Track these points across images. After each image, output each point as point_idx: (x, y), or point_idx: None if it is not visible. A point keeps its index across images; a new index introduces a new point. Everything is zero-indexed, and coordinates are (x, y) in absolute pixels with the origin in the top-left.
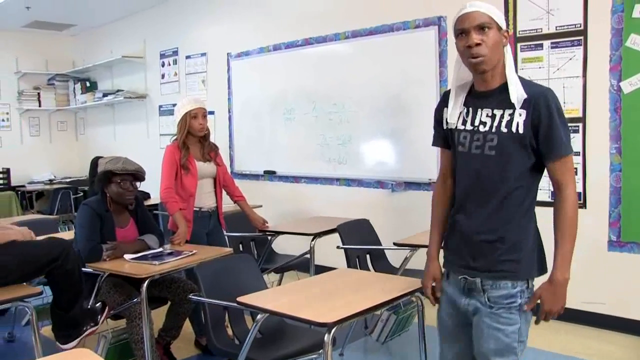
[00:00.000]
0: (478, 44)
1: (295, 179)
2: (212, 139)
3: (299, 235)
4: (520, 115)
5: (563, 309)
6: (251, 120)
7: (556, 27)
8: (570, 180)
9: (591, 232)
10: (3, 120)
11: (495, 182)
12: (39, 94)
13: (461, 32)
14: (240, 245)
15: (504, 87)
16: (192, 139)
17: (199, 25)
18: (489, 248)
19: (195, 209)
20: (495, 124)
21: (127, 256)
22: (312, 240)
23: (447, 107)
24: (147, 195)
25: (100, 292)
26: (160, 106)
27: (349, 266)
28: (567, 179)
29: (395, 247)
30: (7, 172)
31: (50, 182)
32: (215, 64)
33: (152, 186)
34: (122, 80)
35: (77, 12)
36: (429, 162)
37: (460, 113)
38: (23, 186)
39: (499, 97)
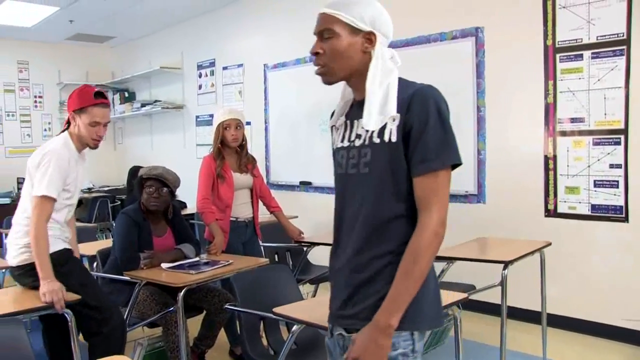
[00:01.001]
0: (317, 53)
1: (331, 190)
2: (248, 149)
3: None
4: (394, 120)
5: None
6: (287, 131)
7: (597, 37)
8: (434, 203)
9: (633, 246)
10: (45, 129)
11: (371, 207)
12: None
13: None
14: (276, 256)
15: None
16: (228, 150)
17: (236, 37)
18: (366, 290)
19: (231, 219)
20: (369, 135)
21: (164, 265)
22: None
23: (333, 124)
24: (183, 205)
25: (137, 301)
26: (197, 116)
27: None
28: (431, 200)
29: None
30: None
31: (89, 190)
32: (251, 75)
33: (189, 196)
34: (159, 90)
35: (117, 25)
36: (465, 174)
37: (339, 129)
38: None
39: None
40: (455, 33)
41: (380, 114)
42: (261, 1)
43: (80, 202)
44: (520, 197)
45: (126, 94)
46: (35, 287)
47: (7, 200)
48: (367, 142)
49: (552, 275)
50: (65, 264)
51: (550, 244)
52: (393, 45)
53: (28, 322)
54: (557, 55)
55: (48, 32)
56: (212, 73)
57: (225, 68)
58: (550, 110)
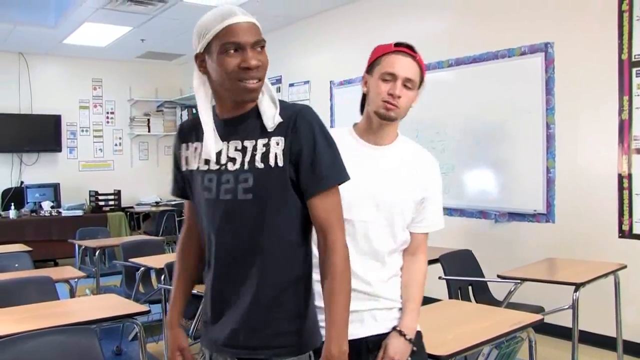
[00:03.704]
0: (257, 67)
1: None
2: None
3: None
4: (278, 144)
5: None
6: None
7: None
8: (337, 221)
9: None
10: (116, 144)
11: (257, 235)
12: (148, 120)
13: (236, 49)
14: None
15: (257, 112)
16: None
17: (303, 54)
18: (262, 318)
19: None
20: (247, 159)
21: None
22: None
23: (184, 143)
24: None
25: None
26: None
27: (450, 297)
28: (333, 219)
29: (500, 280)
30: (118, 193)
31: (157, 204)
32: (318, 92)
33: None
34: None
35: (186, 43)
36: (534, 193)
37: (197, 149)
38: (132, 207)
39: (252, 124)
40: (524, 49)
41: (275, 117)
42: (326, 18)
43: (148, 216)
44: (592, 217)
45: (194, 110)
46: None
47: (79, 212)
48: (246, 167)
49: (628, 300)
50: None
51: (625, 267)
52: (461, 62)
53: (98, 330)
54: (634, 70)
55: (121, 50)
56: (278, 90)
57: (291, 85)
58: (625, 127)
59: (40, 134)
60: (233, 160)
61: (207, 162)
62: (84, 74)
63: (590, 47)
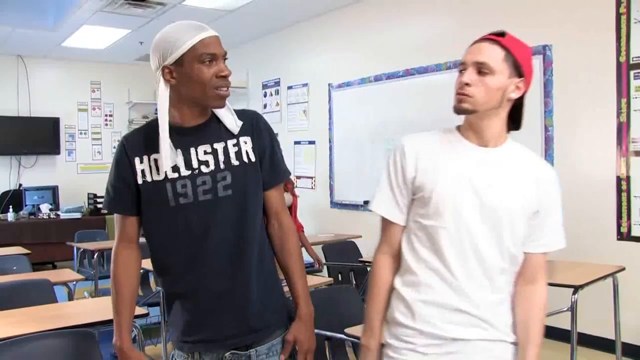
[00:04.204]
0: (230, 75)
1: None
2: (313, 168)
3: None
4: (246, 142)
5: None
6: (352, 151)
7: None
8: (285, 209)
9: None
10: (114, 147)
11: (243, 225)
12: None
13: (210, 60)
14: (340, 275)
15: (216, 118)
16: None
17: (301, 57)
18: (266, 303)
19: None
20: (222, 158)
21: None
22: None
23: (137, 157)
24: None
25: None
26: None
27: None
28: (284, 207)
29: None
30: None
31: None
32: (316, 95)
33: None
34: None
35: None
36: None
37: (157, 160)
38: None
39: (215, 128)
40: None
41: (236, 120)
42: (326, 21)
43: None
44: (590, 219)
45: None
46: None
47: (78, 215)
48: (222, 166)
49: (627, 302)
50: None
51: (624, 269)
52: (458, 65)
53: (96, 333)
54: (632, 72)
55: (119, 53)
56: (277, 92)
57: (290, 87)
58: (623, 129)
59: (38, 136)
60: (205, 162)
61: (175, 169)
62: (82, 76)
63: (589, 50)
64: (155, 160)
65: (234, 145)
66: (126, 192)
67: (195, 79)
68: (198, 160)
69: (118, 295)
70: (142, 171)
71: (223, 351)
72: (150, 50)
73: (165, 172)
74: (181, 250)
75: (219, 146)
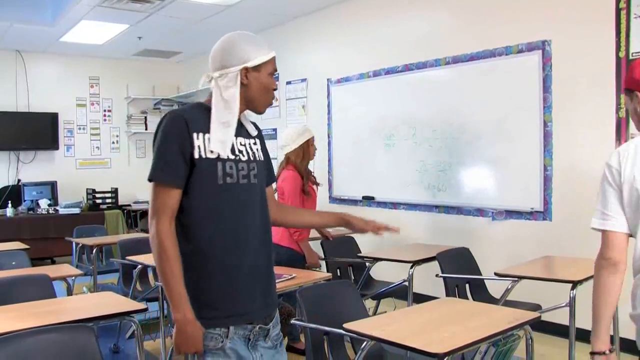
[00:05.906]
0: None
1: (394, 205)
2: (311, 163)
3: (397, 262)
4: (256, 144)
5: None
6: (350, 146)
7: None
8: (273, 198)
9: None
10: (113, 142)
11: (264, 210)
12: (145, 117)
13: (272, 74)
14: (338, 271)
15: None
16: (305, 165)
17: (300, 52)
18: (273, 281)
19: None
20: (250, 152)
21: None
22: (411, 268)
23: (195, 133)
24: None
25: None
26: (261, 130)
27: (447, 295)
28: (273, 198)
29: (497, 278)
30: (115, 191)
31: None
32: (315, 90)
33: None
34: None
35: (183, 41)
36: (531, 191)
37: (210, 140)
38: (129, 205)
39: (242, 127)
40: (522, 47)
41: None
42: (324, 16)
43: (146, 213)
44: (589, 214)
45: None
46: None
47: (76, 210)
48: (252, 158)
49: (625, 297)
50: None
51: None
52: (458, 59)
53: (95, 328)
54: None
55: (118, 48)
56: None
57: (289, 83)
58: (622, 125)
59: (37, 132)
60: (242, 152)
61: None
62: (81, 71)
63: (588, 45)
64: (209, 139)
65: (253, 144)
66: (182, 164)
67: (265, 85)
68: (237, 149)
69: (175, 269)
70: (199, 147)
71: (253, 324)
72: (221, 48)
73: (219, 152)
74: (223, 227)
75: (248, 142)
